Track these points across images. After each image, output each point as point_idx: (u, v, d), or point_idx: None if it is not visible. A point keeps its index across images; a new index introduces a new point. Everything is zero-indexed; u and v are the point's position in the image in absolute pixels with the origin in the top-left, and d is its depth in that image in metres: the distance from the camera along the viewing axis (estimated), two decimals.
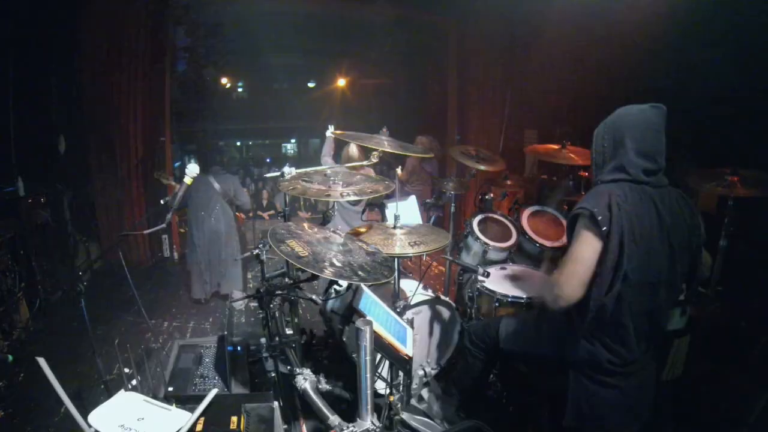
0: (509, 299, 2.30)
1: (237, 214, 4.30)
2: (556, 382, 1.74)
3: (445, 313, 2.47)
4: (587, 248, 1.41)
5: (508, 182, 3.46)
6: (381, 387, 2.07)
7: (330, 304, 2.61)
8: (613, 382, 1.52)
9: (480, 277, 2.29)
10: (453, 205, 3.35)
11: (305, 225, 1.88)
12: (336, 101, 9.09)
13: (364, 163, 2.39)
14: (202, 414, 1.26)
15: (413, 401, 2.28)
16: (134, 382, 1.90)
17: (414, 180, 4.72)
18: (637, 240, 1.38)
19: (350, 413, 1.43)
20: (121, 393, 1.29)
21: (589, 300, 1.44)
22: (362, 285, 1.56)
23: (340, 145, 3.82)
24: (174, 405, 1.28)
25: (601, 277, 1.41)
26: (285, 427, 1.93)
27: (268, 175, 2.39)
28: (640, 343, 1.50)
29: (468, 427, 1.87)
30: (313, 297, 1.97)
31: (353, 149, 3.61)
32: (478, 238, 2.84)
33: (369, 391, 1.33)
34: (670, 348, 2.15)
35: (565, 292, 1.43)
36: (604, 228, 1.38)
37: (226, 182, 3.93)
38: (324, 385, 1.76)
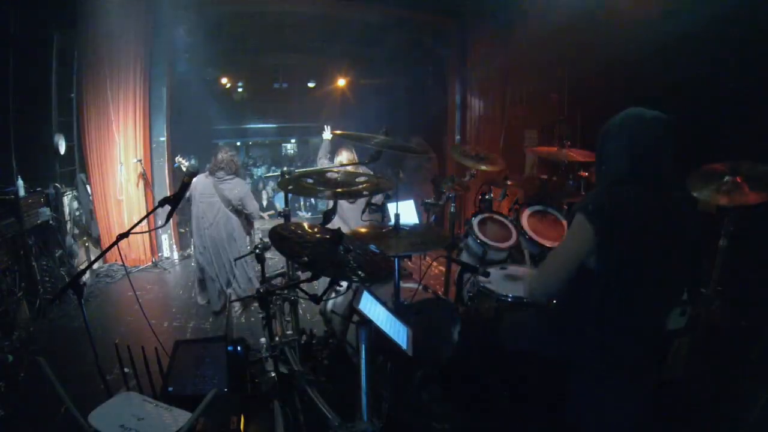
0: (509, 299, 2.30)
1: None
2: (557, 381, 1.74)
3: (445, 313, 2.47)
4: (576, 247, 1.42)
5: (508, 182, 3.46)
6: (381, 387, 2.07)
7: (330, 304, 2.61)
8: (614, 381, 1.52)
9: (480, 277, 2.29)
10: (453, 205, 3.35)
11: (305, 225, 1.88)
12: (336, 101, 9.09)
13: (364, 163, 2.39)
14: (202, 414, 1.26)
15: (413, 401, 2.28)
16: (134, 382, 1.91)
17: (415, 178, 4.74)
18: (637, 242, 1.38)
19: (350, 413, 1.43)
20: (121, 393, 1.29)
21: (582, 298, 1.44)
22: (362, 285, 1.56)
23: (336, 147, 3.82)
24: (174, 405, 1.28)
25: (597, 276, 1.41)
26: (285, 427, 1.93)
27: (268, 175, 2.39)
28: (640, 342, 1.50)
29: None
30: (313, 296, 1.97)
31: (345, 156, 3.61)
32: (478, 238, 2.84)
33: (369, 391, 1.33)
34: (670, 348, 2.15)
35: (540, 285, 1.45)
36: (601, 228, 1.37)
37: (233, 189, 3.57)
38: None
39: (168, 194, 4.88)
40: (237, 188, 3.61)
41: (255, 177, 10.54)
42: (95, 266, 4.63)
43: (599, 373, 1.53)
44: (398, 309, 2.09)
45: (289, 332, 2.04)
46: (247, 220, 3.86)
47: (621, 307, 1.44)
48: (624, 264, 1.39)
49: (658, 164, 1.44)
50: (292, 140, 13.10)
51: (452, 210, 3.36)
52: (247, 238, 3.89)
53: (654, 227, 1.41)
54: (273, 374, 1.92)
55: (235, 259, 3.67)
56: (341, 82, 8.71)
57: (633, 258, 1.39)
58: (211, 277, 3.76)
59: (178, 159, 4.39)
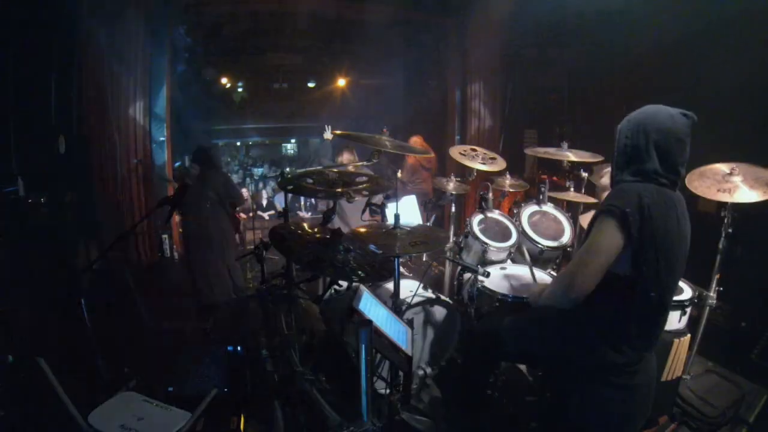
0: (509, 299, 2.30)
1: (237, 214, 4.11)
2: (558, 382, 1.73)
3: (445, 313, 2.47)
4: (610, 243, 1.37)
5: (508, 182, 3.46)
6: (381, 387, 2.07)
7: (330, 304, 2.61)
8: (616, 381, 1.52)
9: (480, 277, 2.29)
10: (453, 205, 3.35)
11: (305, 225, 1.88)
12: (336, 101, 9.09)
13: (364, 163, 2.39)
14: (202, 414, 1.26)
15: (413, 401, 2.28)
16: (134, 382, 1.91)
17: (415, 179, 4.73)
18: (660, 247, 1.38)
19: (350, 413, 1.43)
20: (121, 393, 1.29)
21: (602, 303, 1.43)
22: (362, 285, 1.57)
23: (337, 147, 3.82)
24: (174, 405, 1.28)
25: (622, 282, 1.40)
26: (285, 427, 1.93)
27: (268, 175, 2.38)
28: (645, 343, 1.51)
29: None
30: (314, 297, 1.97)
31: (346, 156, 3.61)
32: (478, 238, 2.84)
33: (369, 391, 1.33)
34: (670, 348, 2.15)
35: (579, 282, 1.38)
36: (633, 230, 1.35)
37: (215, 179, 3.65)
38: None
39: (168, 195, 4.89)
40: (218, 178, 3.68)
41: (255, 177, 10.55)
42: (95, 266, 4.62)
43: (604, 374, 1.53)
44: (398, 309, 2.09)
45: (289, 332, 2.03)
46: (235, 216, 3.88)
47: (637, 310, 1.43)
48: (653, 266, 1.38)
49: (682, 161, 1.44)
50: (292, 140, 13.10)
51: (452, 210, 3.37)
52: (236, 234, 3.90)
53: (677, 228, 1.42)
54: (273, 374, 1.92)
55: (236, 259, 3.69)
56: (341, 82, 8.70)
57: (662, 260, 1.39)
58: (207, 274, 3.76)
59: (179, 167, 4.44)
